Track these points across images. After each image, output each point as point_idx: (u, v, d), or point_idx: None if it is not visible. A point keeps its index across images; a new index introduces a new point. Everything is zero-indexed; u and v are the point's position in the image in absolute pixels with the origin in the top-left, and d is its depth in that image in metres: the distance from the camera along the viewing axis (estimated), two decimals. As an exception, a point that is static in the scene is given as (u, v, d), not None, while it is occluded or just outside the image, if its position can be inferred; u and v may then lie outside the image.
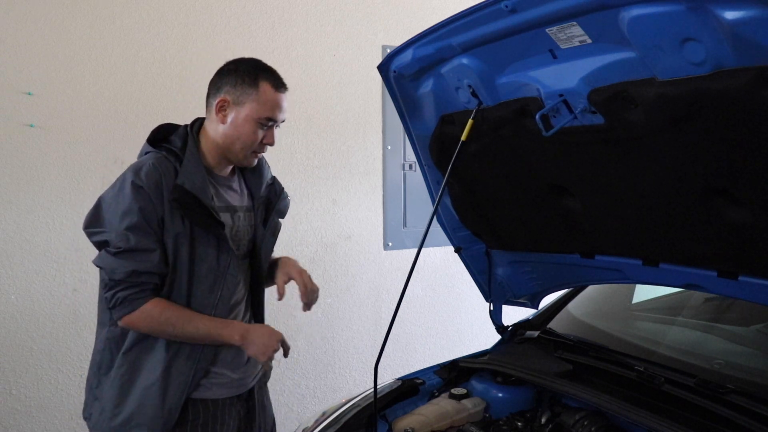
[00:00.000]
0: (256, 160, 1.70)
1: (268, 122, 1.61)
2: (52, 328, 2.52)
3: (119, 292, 1.51)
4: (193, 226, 1.55)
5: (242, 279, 1.72)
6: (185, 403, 1.59)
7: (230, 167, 1.71)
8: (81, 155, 2.53)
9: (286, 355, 1.70)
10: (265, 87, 1.59)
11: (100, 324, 1.64)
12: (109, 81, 2.58)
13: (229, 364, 1.67)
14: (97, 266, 1.56)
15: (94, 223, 1.55)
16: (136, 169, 1.52)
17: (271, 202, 1.79)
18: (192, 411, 1.61)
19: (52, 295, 2.51)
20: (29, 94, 2.42)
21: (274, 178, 1.83)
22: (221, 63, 1.67)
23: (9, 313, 2.44)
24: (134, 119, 2.61)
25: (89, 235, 1.57)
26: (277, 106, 1.61)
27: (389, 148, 3.33)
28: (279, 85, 1.62)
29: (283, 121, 1.67)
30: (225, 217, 1.63)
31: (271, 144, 1.65)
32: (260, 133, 1.61)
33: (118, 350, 1.59)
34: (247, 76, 1.59)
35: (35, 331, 2.49)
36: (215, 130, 1.63)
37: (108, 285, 1.53)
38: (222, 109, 1.60)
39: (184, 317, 1.55)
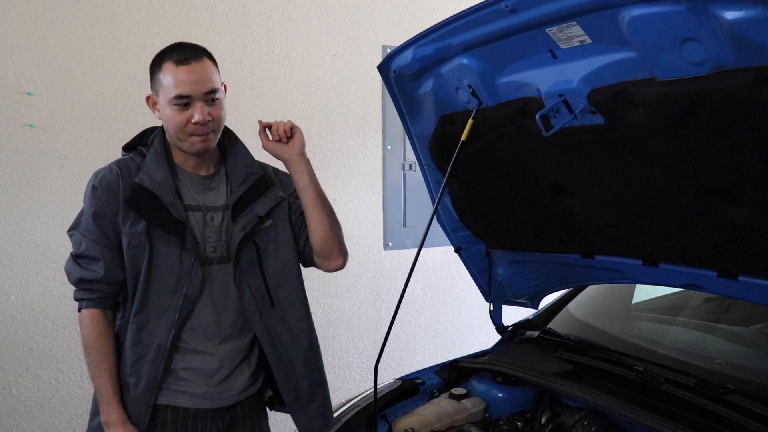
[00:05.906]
0: (207, 144, 1.55)
1: (181, 100, 1.48)
2: (52, 328, 2.52)
3: (76, 292, 1.55)
4: (150, 225, 1.51)
5: (233, 284, 1.59)
6: (153, 408, 1.54)
7: (205, 164, 1.62)
8: (81, 155, 2.53)
9: None
10: (167, 67, 1.49)
11: None
12: (109, 81, 2.58)
13: (196, 372, 1.57)
14: None
15: (71, 226, 1.58)
16: (96, 173, 1.54)
17: (246, 198, 1.62)
18: (161, 416, 1.55)
19: (52, 295, 2.51)
20: (29, 94, 2.42)
21: (264, 171, 1.68)
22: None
23: (9, 313, 2.44)
24: (134, 119, 2.57)
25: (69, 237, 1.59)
26: (181, 82, 1.47)
27: (389, 148, 3.33)
28: (182, 59, 1.48)
29: (212, 92, 1.50)
30: (196, 217, 1.57)
31: (202, 122, 1.49)
32: (185, 114, 1.49)
33: None
34: (155, 66, 1.54)
35: (35, 331, 2.49)
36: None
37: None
38: (154, 105, 1.58)
39: (95, 359, 1.52)
